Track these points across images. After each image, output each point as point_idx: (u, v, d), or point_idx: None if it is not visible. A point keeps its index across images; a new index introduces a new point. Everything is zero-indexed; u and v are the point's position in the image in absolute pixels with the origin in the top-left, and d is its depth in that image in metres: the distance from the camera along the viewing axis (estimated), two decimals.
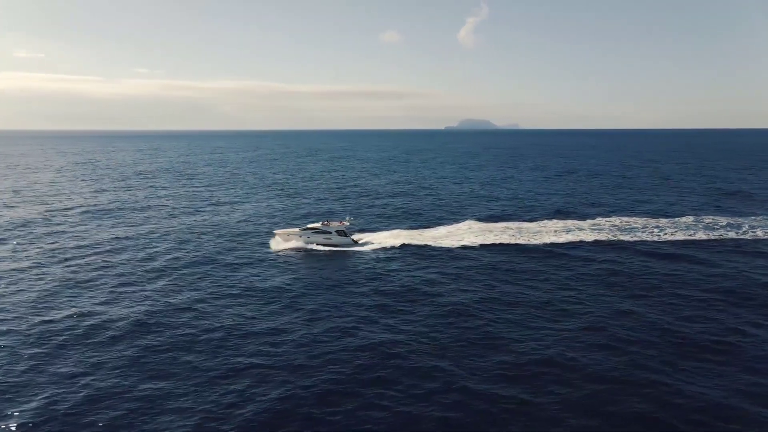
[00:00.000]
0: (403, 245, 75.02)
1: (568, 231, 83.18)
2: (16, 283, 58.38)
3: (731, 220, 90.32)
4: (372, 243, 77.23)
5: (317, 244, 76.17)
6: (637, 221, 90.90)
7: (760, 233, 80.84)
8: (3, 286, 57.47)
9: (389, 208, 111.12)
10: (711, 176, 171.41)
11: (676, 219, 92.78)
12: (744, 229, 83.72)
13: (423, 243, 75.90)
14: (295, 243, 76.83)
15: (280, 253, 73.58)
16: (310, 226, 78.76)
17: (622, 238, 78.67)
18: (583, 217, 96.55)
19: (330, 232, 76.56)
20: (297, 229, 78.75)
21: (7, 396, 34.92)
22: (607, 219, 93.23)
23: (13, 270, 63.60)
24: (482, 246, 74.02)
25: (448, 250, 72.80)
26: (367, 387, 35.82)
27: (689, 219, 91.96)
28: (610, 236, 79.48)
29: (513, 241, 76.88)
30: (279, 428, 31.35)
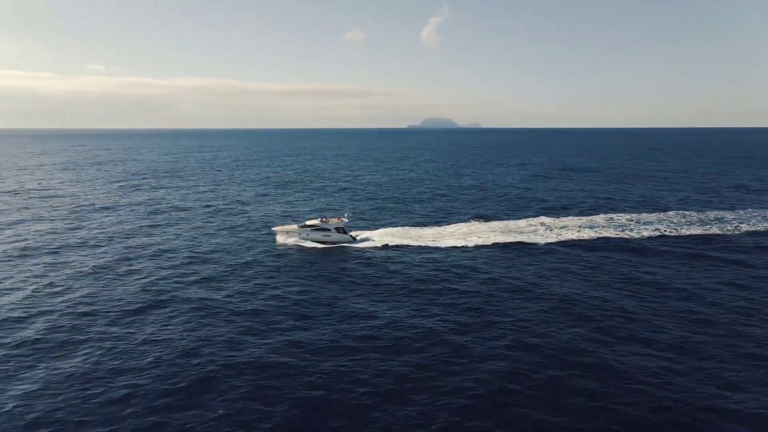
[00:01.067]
0: (403, 245, 75.26)
1: (549, 229, 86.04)
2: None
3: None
4: (372, 240, 77.62)
5: (316, 242, 76.21)
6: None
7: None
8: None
9: (384, 206, 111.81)
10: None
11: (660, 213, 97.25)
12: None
13: (423, 243, 75.61)
14: (294, 240, 76.67)
15: (279, 249, 73.17)
16: (308, 223, 78.54)
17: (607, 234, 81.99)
18: (560, 215, 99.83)
19: (329, 229, 76.63)
20: (295, 226, 78.40)
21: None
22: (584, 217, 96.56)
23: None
24: (477, 247, 74.51)
25: (453, 248, 73.46)
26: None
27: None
28: (595, 233, 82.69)
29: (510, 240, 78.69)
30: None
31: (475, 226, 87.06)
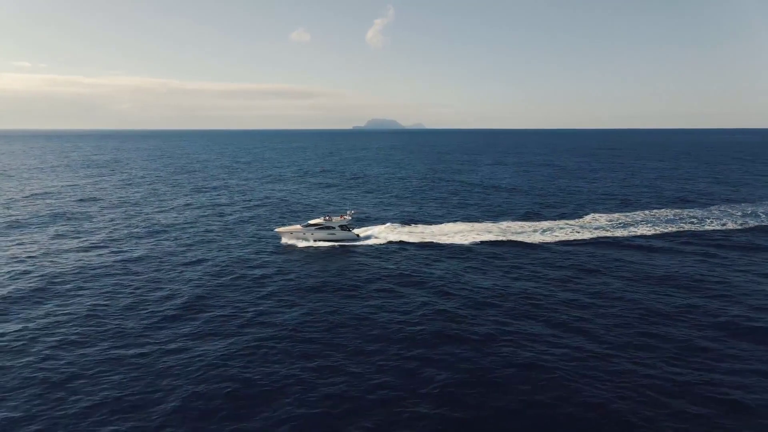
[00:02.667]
0: (405, 241, 75.19)
1: (543, 231, 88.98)
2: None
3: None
4: (376, 237, 77.30)
5: (321, 240, 75.12)
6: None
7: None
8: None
9: (376, 201, 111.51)
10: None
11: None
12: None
13: (428, 240, 75.73)
14: (298, 240, 75.20)
15: (287, 250, 71.56)
16: (311, 222, 77.20)
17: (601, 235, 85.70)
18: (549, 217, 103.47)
19: (333, 228, 75.69)
20: (299, 226, 76.84)
21: None
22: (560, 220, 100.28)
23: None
24: (483, 243, 75.55)
25: (457, 246, 74.28)
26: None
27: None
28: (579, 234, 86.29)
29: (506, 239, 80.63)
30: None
31: (469, 224, 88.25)
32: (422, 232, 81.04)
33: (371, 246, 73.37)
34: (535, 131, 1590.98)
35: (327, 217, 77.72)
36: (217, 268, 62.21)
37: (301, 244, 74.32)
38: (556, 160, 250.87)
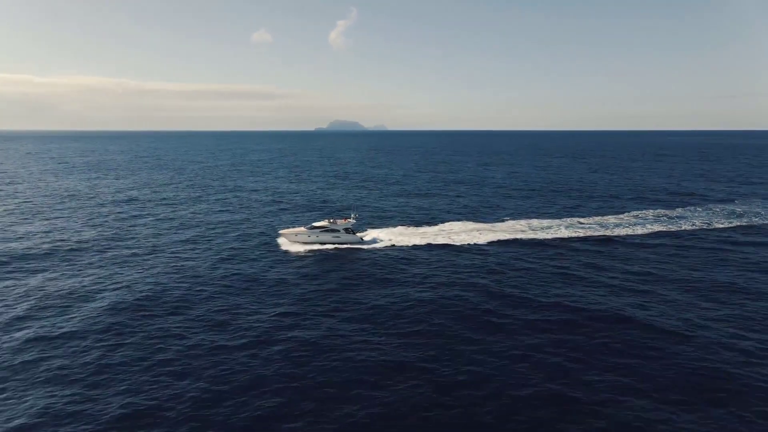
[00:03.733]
0: (411, 244, 76.03)
1: (544, 228, 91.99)
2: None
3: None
4: (382, 240, 77.87)
5: (326, 243, 75.30)
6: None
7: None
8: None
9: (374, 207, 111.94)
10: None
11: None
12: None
13: (433, 241, 76.94)
14: (303, 243, 75.12)
15: (293, 255, 71.38)
16: (316, 224, 77.19)
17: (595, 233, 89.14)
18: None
19: (338, 231, 76.00)
20: (303, 229, 76.79)
21: None
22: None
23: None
24: (488, 243, 76.92)
25: (462, 246, 75.42)
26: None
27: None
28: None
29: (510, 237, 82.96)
30: None
31: (467, 225, 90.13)
32: (423, 233, 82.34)
33: (376, 249, 73.64)
34: (498, 132, 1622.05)
35: (332, 220, 77.96)
36: (240, 279, 61.72)
37: (306, 247, 74.34)
38: (516, 161, 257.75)
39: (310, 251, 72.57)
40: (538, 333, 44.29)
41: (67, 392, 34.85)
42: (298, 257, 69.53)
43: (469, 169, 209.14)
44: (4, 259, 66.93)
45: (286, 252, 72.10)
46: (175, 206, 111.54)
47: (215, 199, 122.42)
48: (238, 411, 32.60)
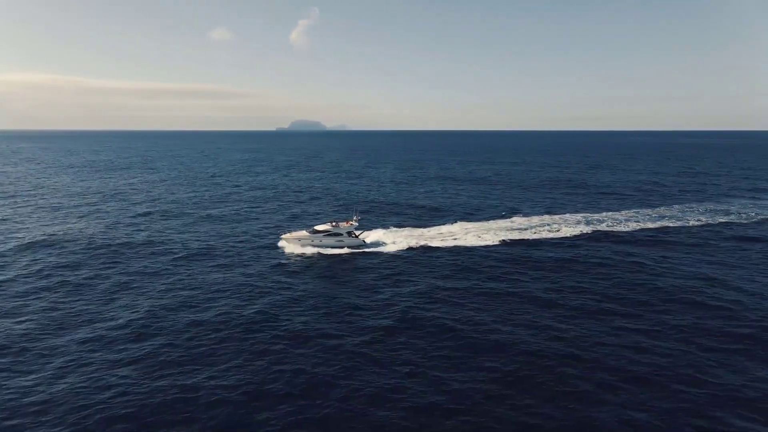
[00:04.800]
0: (415, 246, 75.48)
1: (543, 226, 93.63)
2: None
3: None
4: (385, 243, 77.04)
5: (328, 248, 74.04)
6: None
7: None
8: None
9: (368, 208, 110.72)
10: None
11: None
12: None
13: (436, 244, 76.37)
14: (306, 247, 73.63)
15: (295, 258, 69.90)
16: (318, 228, 75.84)
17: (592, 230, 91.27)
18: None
19: (341, 234, 74.90)
20: (305, 233, 75.30)
21: None
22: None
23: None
24: (492, 245, 77.21)
25: (467, 248, 75.17)
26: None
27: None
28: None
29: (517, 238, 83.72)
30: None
31: (465, 225, 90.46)
32: (421, 235, 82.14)
33: (385, 253, 72.53)
34: (460, 132, 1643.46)
35: (334, 223, 76.72)
36: (245, 287, 59.87)
37: (309, 251, 72.93)
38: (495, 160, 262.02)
39: (312, 255, 71.27)
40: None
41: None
42: (300, 262, 68.16)
43: (458, 168, 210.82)
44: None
45: (288, 256, 70.57)
46: (148, 217, 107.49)
47: (209, 203, 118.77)
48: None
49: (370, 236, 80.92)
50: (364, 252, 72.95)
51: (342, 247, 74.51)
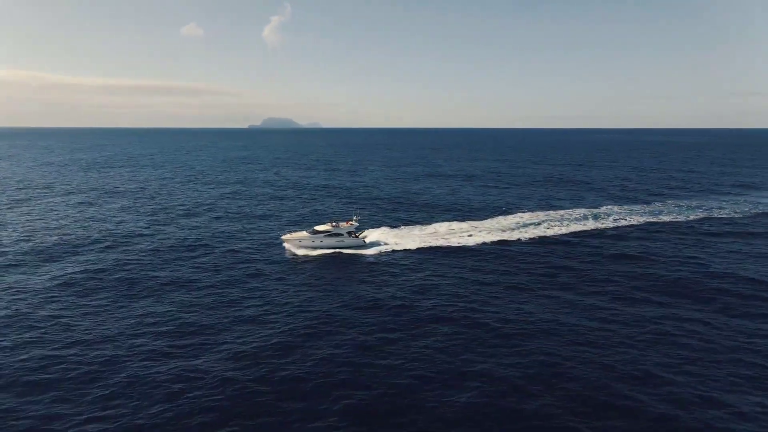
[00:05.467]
0: (418, 247, 74.50)
1: (538, 224, 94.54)
2: None
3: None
4: (386, 243, 76.24)
5: (329, 248, 73.13)
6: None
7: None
8: None
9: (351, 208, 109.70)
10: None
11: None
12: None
13: (437, 244, 75.71)
14: (307, 248, 72.60)
15: (295, 258, 68.84)
16: (319, 228, 74.83)
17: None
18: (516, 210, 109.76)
19: (342, 234, 74.11)
20: (305, 233, 74.21)
21: None
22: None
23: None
24: (485, 244, 77.61)
25: (465, 249, 75.23)
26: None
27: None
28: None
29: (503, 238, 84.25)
30: None
31: (457, 225, 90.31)
32: (419, 234, 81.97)
33: (385, 254, 71.82)
34: (435, 130, 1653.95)
35: (334, 224, 75.85)
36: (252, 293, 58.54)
37: (307, 251, 71.94)
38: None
39: (312, 256, 70.31)
40: None
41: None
42: (301, 263, 67.16)
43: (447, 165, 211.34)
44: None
45: (290, 257, 69.49)
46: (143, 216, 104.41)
47: (208, 207, 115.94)
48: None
49: (369, 236, 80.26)
50: (364, 252, 72.32)
51: (343, 248, 73.74)
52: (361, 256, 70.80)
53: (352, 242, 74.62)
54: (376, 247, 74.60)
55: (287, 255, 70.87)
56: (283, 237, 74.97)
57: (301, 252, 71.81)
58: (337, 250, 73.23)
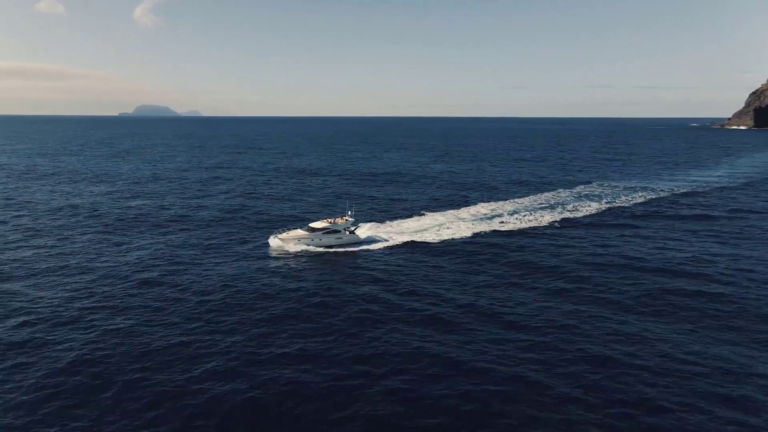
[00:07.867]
0: (411, 242, 71.10)
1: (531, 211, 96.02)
2: None
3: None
4: (382, 239, 72.05)
5: (328, 246, 67.83)
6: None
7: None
8: None
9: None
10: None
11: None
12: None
13: (429, 239, 72.56)
14: (305, 246, 66.69)
15: (295, 258, 62.96)
16: (315, 225, 69.01)
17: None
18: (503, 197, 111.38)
19: (340, 231, 69.13)
20: (301, 231, 68.12)
21: None
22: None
23: None
24: (475, 235, 76.47)
25: (463, 242, 72.72)
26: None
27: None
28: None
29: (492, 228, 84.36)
30: None
31: (444, 217, 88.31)
32: (414, 230, 79.06)
33: (379, 249, 68.06)
34: (321, 118, 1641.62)
35: (330, 220, 70.56)
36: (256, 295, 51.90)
37: (309, 249, 66.49)
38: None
39: (308, 254, 64.95)
40: None
41: None
42: (302, 263, 61.51)
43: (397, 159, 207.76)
44: None
45: (288, 257, 63.36)
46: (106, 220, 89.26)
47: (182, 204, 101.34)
48: None
49: (359, 232, 75.87)
50: (363, 248, 67.99)
51: (341, 245, 68.83)
52: (361, 252, 66.55)
53: (349, 239, 69.95)
54: (373, 243, 70.37)
55: (280, 253, 64.27)
56: (279, 236, 67.87)
57: (299, 249, 66.17)
58: (333, 248, 68.03)
